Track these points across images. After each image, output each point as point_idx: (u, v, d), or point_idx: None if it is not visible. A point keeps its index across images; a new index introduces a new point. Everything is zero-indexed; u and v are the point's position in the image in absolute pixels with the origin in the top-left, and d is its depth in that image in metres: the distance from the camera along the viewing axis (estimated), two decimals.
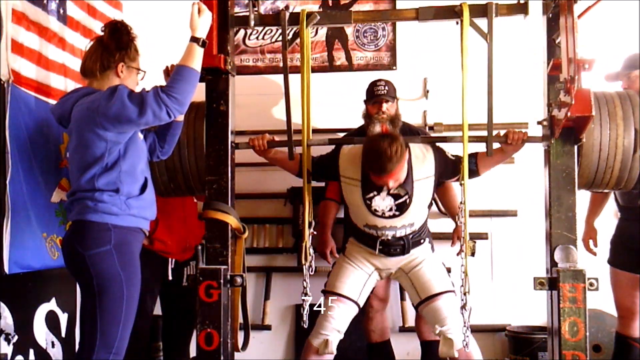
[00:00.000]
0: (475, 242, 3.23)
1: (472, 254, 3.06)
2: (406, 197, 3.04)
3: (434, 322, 3.06)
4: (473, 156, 3.07)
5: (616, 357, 3.47)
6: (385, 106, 3.41)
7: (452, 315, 3.04)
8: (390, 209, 3.05)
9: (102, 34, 2.66)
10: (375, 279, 3.24)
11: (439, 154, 3.11)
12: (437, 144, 3.17)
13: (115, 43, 2.60)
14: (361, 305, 3.22)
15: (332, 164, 3.15)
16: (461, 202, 2.98)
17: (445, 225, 3.90)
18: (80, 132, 2.50)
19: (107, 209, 2.47)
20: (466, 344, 2.95)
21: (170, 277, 3.46)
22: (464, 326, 2.92)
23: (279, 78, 3.12)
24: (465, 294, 2.89)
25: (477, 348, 3.08)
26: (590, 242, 3.58)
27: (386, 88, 3.46)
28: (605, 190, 3.11)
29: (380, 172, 2.92)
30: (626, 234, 3.33)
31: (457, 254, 3.36)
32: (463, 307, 2.90)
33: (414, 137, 3.27)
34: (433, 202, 3.41)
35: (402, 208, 3.05)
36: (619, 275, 3.35)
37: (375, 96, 3.45)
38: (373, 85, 3.51)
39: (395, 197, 3.04)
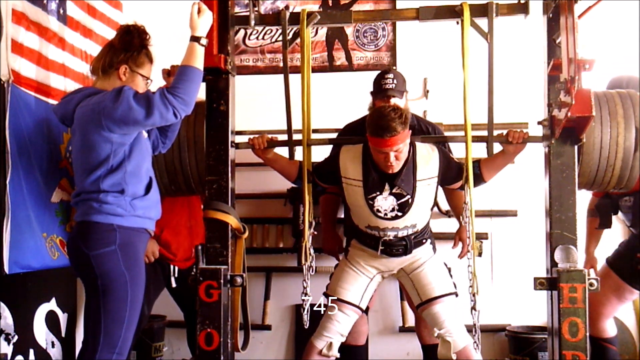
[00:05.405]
0: (482, 242, 3.21)
1: (480, 254, 3.05)
2: (408, 197, 3.01)
3: (433, 325, 3.06)
4: (476, 161, 3.03)
5: None
6: (393, 101, 3.23)
7: (450, 319, 3.03)
8: (393, 209, 3.01)
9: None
10: (378, 282, 3.23)
11: (444, 156, 3.08)
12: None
13: (123, 44, 2.61)
14: (364, 309, 3.20)
15: (334, 165, 3.12)
16: (464, 202, 2.97)
17: (445, 225, 3.90)
18: (85, 133, 2.50)
19: (112, 210, 2.47)
20: (476, 345, 2.95)
21: (174, 285, 3.45)
22: (474, 327, 2.92)
23: (279, 78, 3.11)
24: (474, 294, 2.90)
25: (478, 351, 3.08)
26: (592, 271, 3.55)
27: (395, 82, 3.28)
28: (607, 190, 3.11)
29: (383, 131, 2.82)
30: (635, 249, 3.30)
31: (459, 257, 3.38)
32: (473, 308, 2.91)
33: (417, 138, 3.18)
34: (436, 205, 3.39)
35: (404, 208, 3.01)
36: (611, 277, 3.32)
37: (383, 91, 3.30)
38: (381, 78, 3.34)
39: (398, 196, 3.01)
